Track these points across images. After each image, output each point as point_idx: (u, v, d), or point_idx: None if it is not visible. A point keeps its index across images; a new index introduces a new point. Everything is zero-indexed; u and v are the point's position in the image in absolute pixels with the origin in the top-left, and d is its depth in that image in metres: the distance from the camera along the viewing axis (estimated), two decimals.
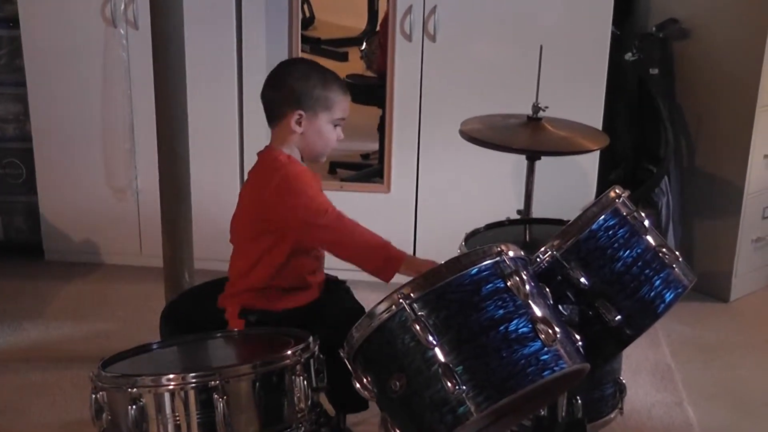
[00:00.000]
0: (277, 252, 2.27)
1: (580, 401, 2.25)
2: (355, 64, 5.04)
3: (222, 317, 2.30)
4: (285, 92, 2.27)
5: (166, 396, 1.84)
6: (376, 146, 4.29)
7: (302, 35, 3.74)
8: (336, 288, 2.44)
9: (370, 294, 2.10)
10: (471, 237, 2.56)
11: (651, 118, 3.79)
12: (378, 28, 4.67)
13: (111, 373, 1.91)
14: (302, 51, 3.72)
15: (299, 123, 2.27)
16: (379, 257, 2.16)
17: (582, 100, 3.49)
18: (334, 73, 2.35)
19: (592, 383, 2.39)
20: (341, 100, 2.30)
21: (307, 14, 4.98)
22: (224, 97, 3.69)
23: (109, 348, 2.10)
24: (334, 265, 2.39)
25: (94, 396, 1.91)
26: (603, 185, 3.56)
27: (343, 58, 5.12)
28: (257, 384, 1.87)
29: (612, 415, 2.48)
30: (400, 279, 1.92)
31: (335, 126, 2.31)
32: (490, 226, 2.66)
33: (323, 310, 2.32)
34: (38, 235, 3.94)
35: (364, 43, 5.13)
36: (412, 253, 3.68)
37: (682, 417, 3.01)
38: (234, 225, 2.41)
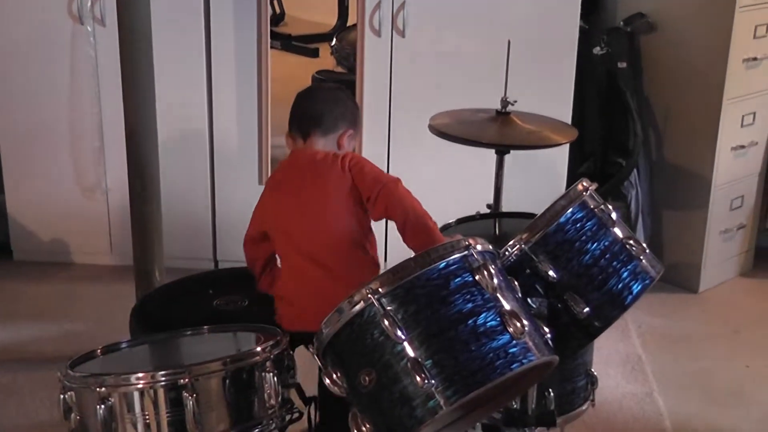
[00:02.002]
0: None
1: (552, 394, 2.26)
2: (325, 60, 5.04)
3: (193, 315, 2.30)
4: (342, 109, 2.32)
5: (135, 395, 1.83)
6: None
7: (272, 32, 3.73)
8: None
9: None
10: (442, 231, 2.56)
11: (620, 111, 3.82)
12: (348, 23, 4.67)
13: (79, 372, 1.89)
14: (272, 47, 3.70)
15: (352, 139, 2.33)
16: (428, 238, 2.07)
17: (551, 94, 3.50)
18: None
19: (564, 376, 2.40)
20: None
21: (277, 11, 4.97)
22: (193, 93, 3.66)
23: (79, 348, 2.09)
24: None
25: (62, 396, 1.90)
26: (572, 178, 3.58)
27: (314, 54, 5.11)
28: (227, 381, 1.87)
29: (584, 407, 2.49)
30: None
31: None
32: (461, 221, 2.66)
33: None
34: (6, 235, 3.90)
35: (335, 39, 5.13)
36: (383, 249, 3.69)
37: (652, 407, 3.04)
38: (322, 237, 2.21)
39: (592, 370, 2.51)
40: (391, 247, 3.68)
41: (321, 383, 1.96)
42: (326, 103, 2.32)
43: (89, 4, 3.56)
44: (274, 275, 2.35)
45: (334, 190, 2.19)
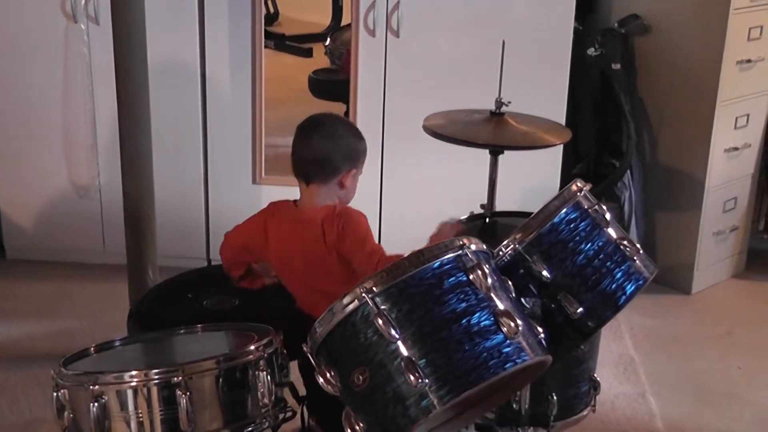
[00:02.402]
0: None
1: (555, 398, 2.27)
2: (319, 60, 5.04)
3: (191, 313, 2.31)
4: (344, 150, 2.28)
5: (129, 393, 1.83)
6: None
7: (266, 31, 3.73)
8: None
9: None
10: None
11: (613, 112, 3.83)
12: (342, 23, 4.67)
13: (72, 370, 1.89)
14: (266, 47, 3.70)
15: (354, 177, 2.30)
16: None
17: (545, 95, 3.51)
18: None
19: (568, 381, 2.41)
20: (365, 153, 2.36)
21: (271, 10, 4.97)
22: (187, 93, 3.66)
23: (72, 346, 2.09)
24: None
25: (55, 394, 1.89)
26: (566, 179, 3.58)
27: (308, 54, 5.11)
28: (221, 380, 1.87)
29: (585, 413, 2.50)
30: None
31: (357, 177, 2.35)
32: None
33: None
34: None
35: (329, 39, 5.12)
36: None
37: (645, 408, 3.04)
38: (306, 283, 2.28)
39: (596, 375, 2.51)
40: (385, 247, 3.67)
41: (308, 379, 1.97)
42: (324, 147, 2.26)
43: (83, 2, 3.55)
44: (254, 275, 2.38)
45: (320, 261, 2.22)
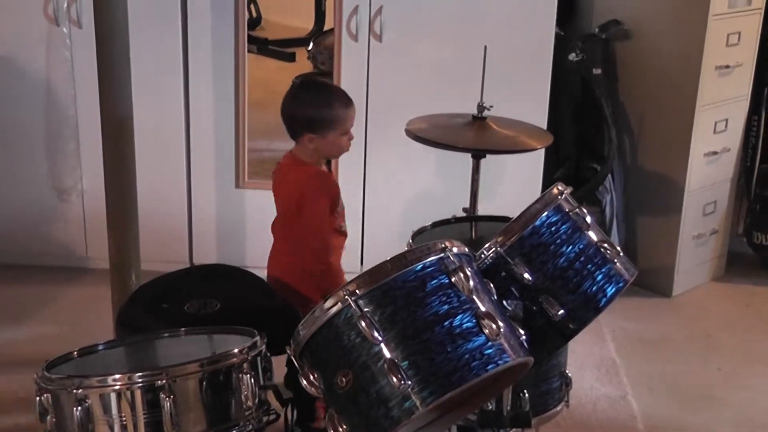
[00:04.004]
0: None
1: (527, 395, 2.28)
2: (302, 65, 5.05)
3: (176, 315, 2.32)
4: (301, 114, 2.58)
5: (113, 396, 1.83)
6: None
7: (249, 35, 3.74)
8: None
9: None
10: (418, 235, 2.59)
11: (594, 117, 3.86)
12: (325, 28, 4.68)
13: (56, 374, 1.89)
14: (249, 51, 3.71)
15: (311, 141, 2.58)
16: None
17: (526, 99, 3.53)
18: (338, 90, 2.73)
19: (539, 377, 2.42)
20: (346, 114, 2.61)
21: (254, 14, 4.98)
22: (170, 97, 3.66)
23: (54, 351, 2.07)
24: None
25: (38, 398, 1.89)
26: (548, 183, 3.61)
27: (291, 58, 5.12)
28: (204, 382, 1.87)
29: (558, 408, 2.52)
30: None
31: (343, 134, 2.61)
32: (436, 224, 2.68)
33: None
34: None
35: (312, 44, 5.13)
36: (359, 252, 3.70)
37: (626, 410, 3.07)
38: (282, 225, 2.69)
39: (567, 371, 2.54)
40: (368, 250, 3.69)
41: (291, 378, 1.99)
42: (285, 108, 2.61)
43: (66, 5, 3.55)
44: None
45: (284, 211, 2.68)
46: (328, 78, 3.79)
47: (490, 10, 3.54)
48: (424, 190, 3.67)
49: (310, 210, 2.58)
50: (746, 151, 3.97)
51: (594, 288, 1.99)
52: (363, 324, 1.68)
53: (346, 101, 2.63)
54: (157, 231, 3.62)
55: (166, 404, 1.81)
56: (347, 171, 3.69)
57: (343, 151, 2.68)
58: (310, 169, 2.62)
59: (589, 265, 2.00)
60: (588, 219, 2.04)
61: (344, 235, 2.76)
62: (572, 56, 3.80)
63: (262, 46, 4.99)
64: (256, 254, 3.40)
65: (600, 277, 2.00)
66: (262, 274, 2.68)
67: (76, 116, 3.68)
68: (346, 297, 1.69)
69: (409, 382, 1.64)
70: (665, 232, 3.84)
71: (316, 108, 2.58)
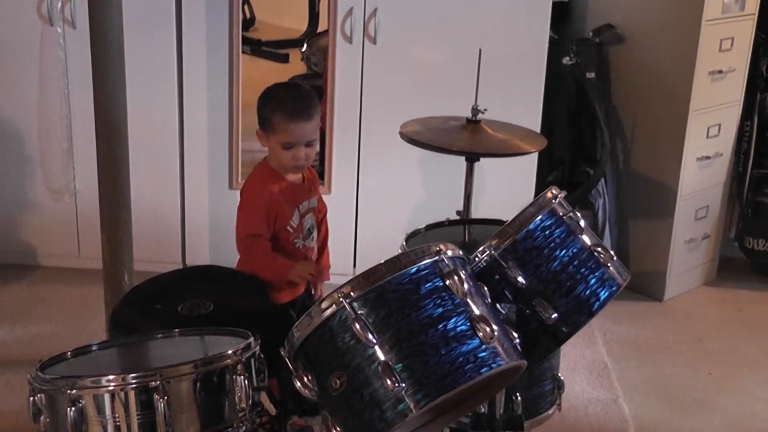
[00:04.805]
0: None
1: (519, 398, 2.28)
2: (296, 66, 5.04)
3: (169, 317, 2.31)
4: (260, 110, 2.54)
5: (106, 397, 1.83)
6: (317, 148, 4.29)
7: (243, 36, 3.73)
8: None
9: None
10: (411, 237, 2.59)
11: (588, 121, 3.87)
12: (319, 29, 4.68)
13: (49, 375, 1.89)
14: (243, 52, 3.71)
15: (260, 138, 2.55)
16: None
17: (520, 103, 3.54)
18: (298, 102, 2.50)
19: (531, 380, 2.43)
20: (285, 127, 2.46)
21: (248, 15, 4.97)
22: (164, 97, 3.66)
23: (47, 351, 2.07)
24: None
25: (32, 399, 1.89)
26: (541, 187, 3.62)
27: (284, 59, 5.11)
28: (198, 384, 1.87)
29: (550, 411, 2.53)
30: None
31: (286, 149, 2.48)
32: (430, 227, 2.68)
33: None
34: None
35: (306, 45, 5.13)
36: (352, 254, 3.70)
37: (617, 413, 3.07)
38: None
39: (559, 374, 2.54)
40: (361, 253, 3.70)
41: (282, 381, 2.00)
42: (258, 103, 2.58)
43: (60, 5, 3.54)
44: None
45: None
46: (320, 80, 3.80)
47: (485, 14, 3.55)
48: (418, 193, 3.67)
49: (238, 212, 2.56)
50: (738, 156, 3.99)
51: (587, 292, 1.99)
52: (357, 326, 1.68)
53: (294, 114, 2.46)
54: (150, 232, 3.62)
55: (160, 405, 1.80)
56: (341, 173, 3.69)
57: (286, 166, 2.52)
58: (257, 169, 2.60)
59: (583, 269, 2.00)
60: (582, 223, 2.04)
61: (304, 251, 2.62)
62: (566, 60, 3.81)
63: (255, 47, 4.98)
64: None
65: (593, 281, 2.00)
66: None
67: (70, 116, 3.67)
68: (341, 299, 1.70)
69: (403, 385, 1.65)
70: (657, 236, 3.85)
71: (263, 103, 2.54)
